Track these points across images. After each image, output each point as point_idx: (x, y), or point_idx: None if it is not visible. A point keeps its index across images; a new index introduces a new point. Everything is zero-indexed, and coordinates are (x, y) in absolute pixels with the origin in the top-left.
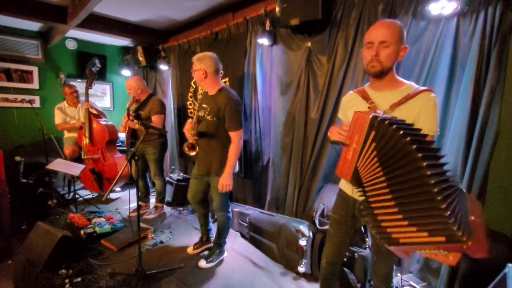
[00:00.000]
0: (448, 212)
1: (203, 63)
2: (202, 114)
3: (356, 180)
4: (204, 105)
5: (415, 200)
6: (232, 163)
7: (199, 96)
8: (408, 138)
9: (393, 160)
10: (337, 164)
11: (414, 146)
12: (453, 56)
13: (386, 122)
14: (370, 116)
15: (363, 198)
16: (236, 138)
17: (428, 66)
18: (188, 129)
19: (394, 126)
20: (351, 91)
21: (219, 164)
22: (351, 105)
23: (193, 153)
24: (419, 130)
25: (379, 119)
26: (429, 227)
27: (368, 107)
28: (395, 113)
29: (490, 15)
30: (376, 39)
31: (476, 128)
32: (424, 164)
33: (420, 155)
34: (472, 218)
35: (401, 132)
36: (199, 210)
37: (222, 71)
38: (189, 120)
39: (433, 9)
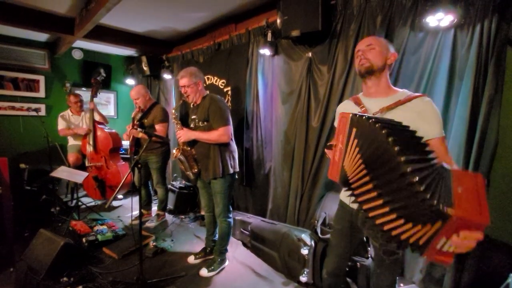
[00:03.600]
0: (429, 194)
1: (198, 77)
2: (194, 126)
3: (344, 180)
4: (193, 117)
5: (398, 195)
6: (202, 135)
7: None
8: (385, 131)
9: (374, 157)
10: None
11: (390, 139)
12: (451, 67)
13: (364, 117)
14: (351, 114)
15: (354, 200)
16: (222, 132)
17: (427, 76)
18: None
19: (371, 120)
20: (346, 100)
21: (218, 166)
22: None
23: (181, 157)
24: (400, 123)
25: (358, 115)
26: (420, 218)
27: (358, 111)
28: (384, 115)
29: (486, 27)
30: (362, 46)
31: (475, 137)
32: (402, 159)
33: (396, 148)
34: (459, 189)
35: (377, 125)
36: (210, 218)
37: (224, 81)
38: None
39: (431, 21)
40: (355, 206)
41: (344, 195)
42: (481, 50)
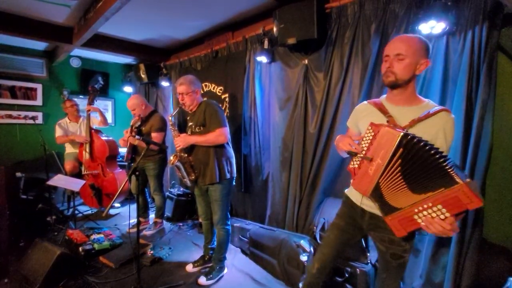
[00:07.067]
0: (448, 166)
1: (196, 85)
2: (191, 132)
3: (376, 194)
4: (190, 123)
5: (426, 177)
6: (200, 138)
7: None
8: (438, 155)
9: (417, 171)
10: (353, 178)
11: (442, 160)
12: (445, 73)
13: (415, 140)
14: (401, 134)
15: (374, 210)
16: (218, 133)
17: (421, 82)
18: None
19: (422, 144)
20: (365, 102)
21: (215, 172)
22: (365, 115)
23: (177, 163)
24: (434, 145)
25: (409, 137)
26: (430, 185)
27: (387, 121)
28: (414, 129)
29: (477, 33)
30: (391, 52)
31: (470, 141)
32: (443, 162)
33: (445, 162)
34: (468, 180)
35: (432, 151)
36: (208, 225)
37: (222, 88)
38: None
39: (423, 28)
40: (365, 206)
41: (355, 195)
42: (473, 56)
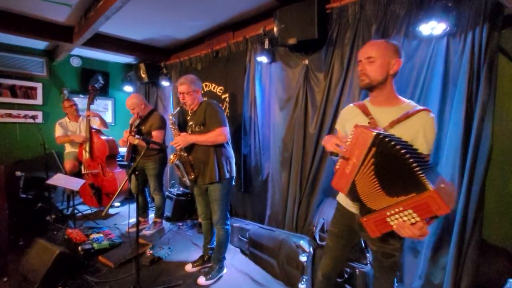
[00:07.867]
0: (419, 171)
1: (197, 85)
2: (191, 131)
3: (353, 193)
4: (190, 123)
5: (398, 180)
6: (199, 138)
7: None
8: (408, 155)
9: (389, 172)
10: (333, 177)
11: (411, 160)
12: (445, 74)
13: (387, 139)
14: (374, 134)
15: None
16: (218, 133)
17: (421, 84)
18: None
19: (393, 143)
20: (351, 104)
21: (214, 171)
22: (350, 117)
23: (177, 162)
24: (412, 146)
25: (381, 136)
26: (403, 189)
27: (369, 122)
28: (394, 130)
29: (478, 35)
30: (363, 57)
31: (470, 143)
32: (413, 164)
33: (415, 166)
34: (442, 185)
35: (403, 151)
36: (207, 225)
37: (222, 88)
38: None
39: (424, 29)
40: (353, 209)
41: (342, 198)
42: (474, 57)
